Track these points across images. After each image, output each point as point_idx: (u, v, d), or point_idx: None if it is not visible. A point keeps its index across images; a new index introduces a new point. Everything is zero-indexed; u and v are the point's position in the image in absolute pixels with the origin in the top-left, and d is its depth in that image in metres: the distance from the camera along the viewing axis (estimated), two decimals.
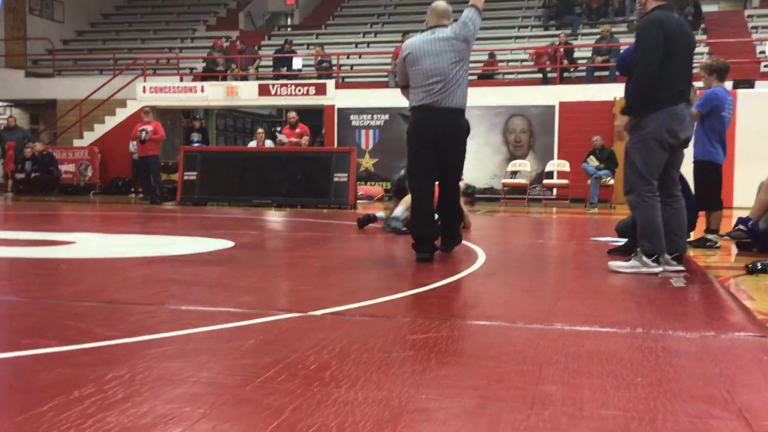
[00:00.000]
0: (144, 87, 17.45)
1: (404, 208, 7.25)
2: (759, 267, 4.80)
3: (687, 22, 4.94)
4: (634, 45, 4.74)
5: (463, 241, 6.52)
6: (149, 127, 14.06)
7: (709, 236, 6.52)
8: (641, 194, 4.61)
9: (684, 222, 4.85)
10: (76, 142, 17.87)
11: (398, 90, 16.16)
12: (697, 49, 16.12)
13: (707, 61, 6.77)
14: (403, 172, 7.64)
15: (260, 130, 15.47)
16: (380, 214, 8.06)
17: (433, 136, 5.35)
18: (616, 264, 4.76)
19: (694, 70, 7.08)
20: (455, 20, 5.50)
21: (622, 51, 6.61)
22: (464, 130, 5.57)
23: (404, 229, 7.07)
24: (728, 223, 6.83)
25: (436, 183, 5.55)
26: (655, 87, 4.53)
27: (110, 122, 17.81)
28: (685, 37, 4.67)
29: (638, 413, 1.97)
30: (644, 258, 4.61)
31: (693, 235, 6.78)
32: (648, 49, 4.54)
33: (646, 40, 4.57)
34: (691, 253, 6.08)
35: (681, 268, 4.73)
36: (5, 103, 19.97)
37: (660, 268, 4.60)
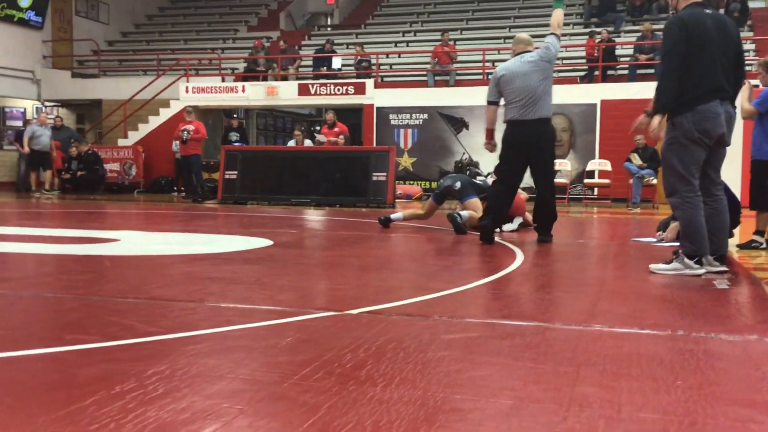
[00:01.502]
0: (186, 87, 17.71)
1: (468, 214, 7.42)
2: None
3: (728, 18, 4.83)
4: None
5: (501, 241, 6.51)
6: (191, 127, 14.26)
7: (757, 237, 6.37)
8: (683, 195, 4.53)
9: (725, 222, 4.74)
10: (121, 142, 18.21)
11: (437, 89, 16.85)
12: (744, 46, 15.62)
13: (765, 58, 6.60)
14: (457, 183, 7.73)
15: (297, 132, 15.57)
16: (396, 215, 8.13)
17: (524, 146, 6.38)
18: (657, 266, 4.68)
19: (752, 68, 6.90)
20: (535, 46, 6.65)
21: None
22: (550, 136, 6.63)
23: (461, 224, 7.23)
24: None
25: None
26: (682, 86, 4.49)
27: (154, 122, 18.12)
28: (722, 33, 4.57)
29: (678, 417, 1.94)
30: (686, 260, 4.54)
31: (738, 234, 6.64)
32: (668, 50, 4.59)
33: (667, 42, 4.62)
34: (735, 254, 5.96)
35: (724, 268, 4.64)
36: (53, 103, 20.44)
37: (703, 270, 4.52)
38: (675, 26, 4.56)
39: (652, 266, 4.72)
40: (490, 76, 17.15)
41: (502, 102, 6.61)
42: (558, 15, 6.62)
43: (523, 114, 6.32)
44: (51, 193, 15.70)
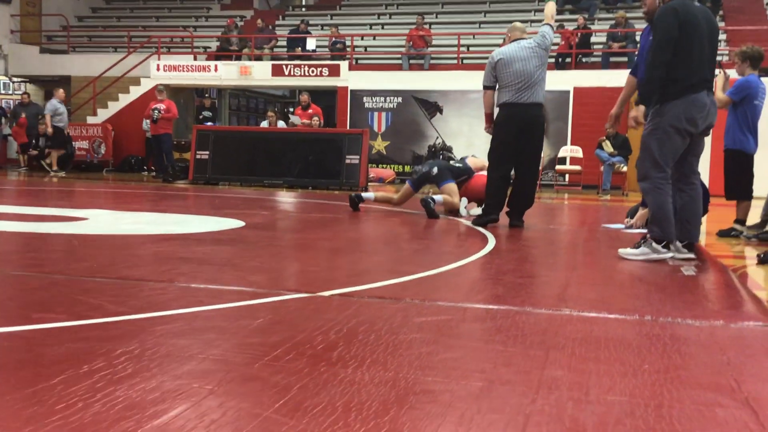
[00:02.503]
0: (158, 65, 17.46)
1: (443, 198, 7.59)
2: None
3: (708, 9, 4.90)
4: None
5: (473, 225, 6.54)
6: (162, 106, 14.08)
7: (737, 226, 6.46)
8: (655, 181, 4.59)
9: (698, 210, 4.81)
10: (90, 119, 17.92)
11: (411, 73, 16.84)
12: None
13: (741, 48, 6.67)
14: (434, 169, 7.83)
15: (271, 113, 15.44)
16: (368, 194, 8.14)
17: (519, 128, 6.49)
18: (626, 251, 4.74)
19: (725, 58, 6.97)
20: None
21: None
22: (543, 120, 6.69)
23: (434, 209, 7.30)
24: (755, 213, 6.76)
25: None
26: (670, 75, 4.52)
27: (124, 100, 17.85)
28: (708, 25, 4.65)
29: (644, 399, 1.97)
30: (654, 244, 4.61)
31: (704, 222, 6.75)
32: (660, 39, 4.56)
33: (659, 30, 4.60)
34: (703, 242, 6.05)
35: (691, 256, 4.71)
36: (20, 79, 20.03)
37: (670, 254, 4.59)
38: (670, 15, 4.56)
39: (621, 251, 4.79)
40: (465, 61, 17.20)
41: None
42: (551, 7, 6.81)
43: (518, 97, 6.45)
44: (59, 173, 15.30)
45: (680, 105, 4.52)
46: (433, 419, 1.79)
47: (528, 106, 6.47)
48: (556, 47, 16.24)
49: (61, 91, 15.86)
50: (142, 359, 2.19)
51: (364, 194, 8.13)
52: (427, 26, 17.77)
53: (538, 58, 6.51)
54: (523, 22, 18.53)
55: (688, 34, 4.53)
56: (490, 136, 6.75)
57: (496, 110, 6.67)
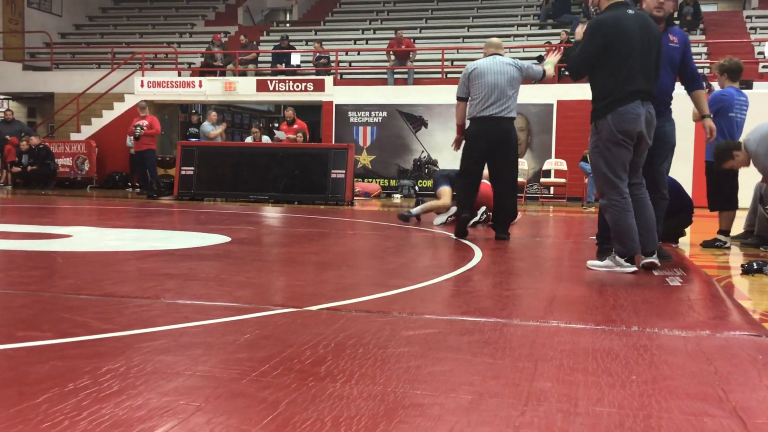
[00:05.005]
0: (142, 81, 17.42)
1: (421, 209, 8.30)
2: (755, 267, 4.80)
3: (649, 17, 4.85)
4: None
5: (455, 237, 6.55)
6: (144, 122, 14.03)
7: (720, 237, 6.50)
8: (609, 199, 4.62)
9: (648, 218, 4.72)
10: (74, 136, 17.84)
11: (396, 87, 16.95)
12: (695, 50, 16.03)
13: (720, 61, 6.74)
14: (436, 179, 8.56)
15: (255, 129, 15.46)
16: (416, 209, 8.45)
17: (488, 141, 6.52)
18: (593, 263, 4.82)
19: (706, 71, 7.07)
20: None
21: None
22: (515, 135, 6.77)
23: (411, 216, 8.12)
24: (739, 224, 6.82)
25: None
26: (598, 93, 4.66)
27: (108, 116, 17.79)
28: (645, 34, 4.60)
29: (633, 411, 1.98)
30: (617, 258, 4.66)
31: (688, 233, 6.80)
32: (579, 53, 4.74)
33: (582, 44, 4.72)
34: (686, 253, 6.09)
35: (651, 260, 4.71)
36: (2, 97, 19.93)
37: (633, 268, 4.61)
38: (595, 34, 4.60)
39: (589, 263, 4.85)
40: (449, 75, 17.30)
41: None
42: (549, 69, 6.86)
43: (489, 110, 6.47)
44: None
45: (610, 120, 4.55)
46: None
47: (498, 120, 6.48)
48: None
49: (213, 114, 15.69)
50: (128, 376, 2.17)
51: (413, 210, 8.37)
52: (409, 38, 17.84)
53: (509, 74, 6.52)
54: (506, 36, 18.80)
55: (617, 49, 4.54)
56: None
57: (468, 123, 6.71)
